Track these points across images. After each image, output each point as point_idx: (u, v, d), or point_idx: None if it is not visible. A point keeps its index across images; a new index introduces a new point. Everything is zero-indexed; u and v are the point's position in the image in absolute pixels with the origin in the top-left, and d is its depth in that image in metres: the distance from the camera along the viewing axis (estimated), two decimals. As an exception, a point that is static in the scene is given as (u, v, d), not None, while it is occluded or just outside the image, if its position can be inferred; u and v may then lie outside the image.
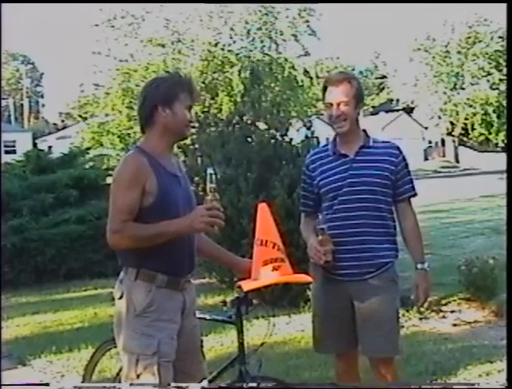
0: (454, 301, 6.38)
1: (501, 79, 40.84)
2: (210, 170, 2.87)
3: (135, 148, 2.91)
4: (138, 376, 2.75)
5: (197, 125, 8.12)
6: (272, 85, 24.01)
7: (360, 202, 3.22)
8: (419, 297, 3.37)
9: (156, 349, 2.75)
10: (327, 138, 3.44)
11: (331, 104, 3.23)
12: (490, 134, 44.75)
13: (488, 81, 43.13)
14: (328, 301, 3.32)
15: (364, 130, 3.36)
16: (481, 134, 45.19)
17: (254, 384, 2.93)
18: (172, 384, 2.74)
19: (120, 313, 2.85)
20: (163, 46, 24.89)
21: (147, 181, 2.77)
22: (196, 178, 7.15)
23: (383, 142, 3.39)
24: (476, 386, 2.66)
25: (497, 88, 42.15)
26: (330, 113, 3.25)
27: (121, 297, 2.84)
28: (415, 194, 3.38)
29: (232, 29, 25.98)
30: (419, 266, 3.35)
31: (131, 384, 2.73)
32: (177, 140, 3.01)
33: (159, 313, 2.80)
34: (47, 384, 3.68)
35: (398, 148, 3.37)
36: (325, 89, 3.28)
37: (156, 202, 2.79)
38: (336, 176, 3.26)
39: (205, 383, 2.92)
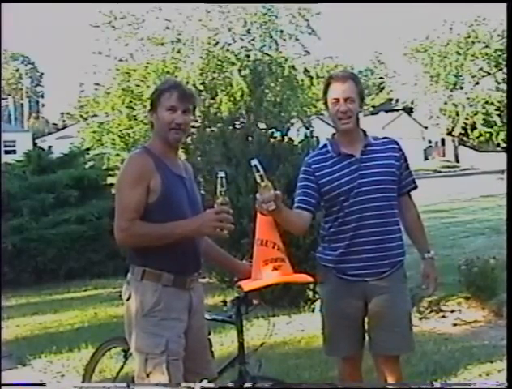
0: (455, 300, 6.38)
1: (503, 79, 40.74)
2: (221, 174, 2.79)
3: (141, 148, 2.96)
4: (148, 375, 2.78)
5: (196, 125, 8.07)
6: (272, 85, 23.98)
7: (372, 201, 3.18)
8: (429, 286, 3.37)
9: (165, 348, 2.77)
10: (327, 139, 3.40)
11: (337, 100, 3.17)
12: (491, 134, 44.70)
13: (490, 80, 43.06)
14: (342, 303, 3.25)
15: (362, 129, 3.34)
16: (481, 134, 45.14)
17: (254, 384, 2.93)
18: (183, 384, 2.74)
19: (129, 314, 2.87)
20: (163, 44, 24.86)
21: (152, 180, 2.80)
22: (197, 178, 7.15)
23: (381, 138, 3.37)
24: (477, 386, 2.65)
25: (498, 87, 42.08)
26: (336, 109, 3.18)
27: (128, 298, 2.87)
28: (416, 187, 3.40)
29: (231, 29, 25.96)
30: (426, 255, 3.38)
31: (137, 384, 2.75)
32: (170, 144, 2.91)
33: (166, 312, 2.82)
34: (44, 384, 3.66)
35: (397, 143, 3.37)
36: (327, 86, 3.23)
37: (159, 199, 2.81)
38: (346, 178, 3.20)
39: (205, 383, 2.91)
